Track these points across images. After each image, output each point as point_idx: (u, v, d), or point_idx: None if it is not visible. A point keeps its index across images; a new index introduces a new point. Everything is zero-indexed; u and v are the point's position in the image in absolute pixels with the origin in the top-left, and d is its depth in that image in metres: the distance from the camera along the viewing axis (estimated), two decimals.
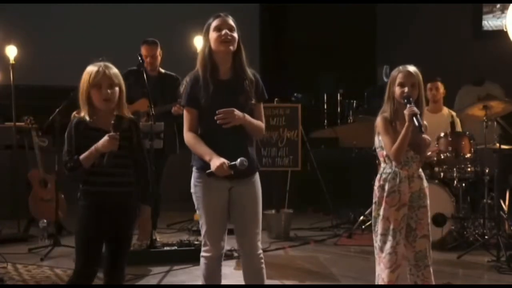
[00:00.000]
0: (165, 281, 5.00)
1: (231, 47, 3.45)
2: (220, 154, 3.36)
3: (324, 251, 6.15)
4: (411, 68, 3.75)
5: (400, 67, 3.77)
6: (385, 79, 9.35)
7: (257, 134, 3.60)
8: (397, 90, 3.72)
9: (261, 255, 3.56)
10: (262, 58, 10.37)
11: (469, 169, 6.14)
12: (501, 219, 5.90)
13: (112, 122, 3.25)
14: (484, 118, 5.94)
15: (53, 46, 9.09)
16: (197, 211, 3.56)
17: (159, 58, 6.06)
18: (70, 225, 6.27)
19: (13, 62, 6.74)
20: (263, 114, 3.61)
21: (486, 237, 5.92)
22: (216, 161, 3.32)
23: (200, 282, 3.61)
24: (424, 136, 3.67)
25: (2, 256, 5.35)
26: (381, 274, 3.73)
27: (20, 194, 6.82)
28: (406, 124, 3.63)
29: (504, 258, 5.34)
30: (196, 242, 5.63)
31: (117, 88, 3.33)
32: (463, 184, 6.20)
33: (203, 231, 3.53)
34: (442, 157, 6.10)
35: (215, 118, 3.36)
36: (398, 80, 3.72)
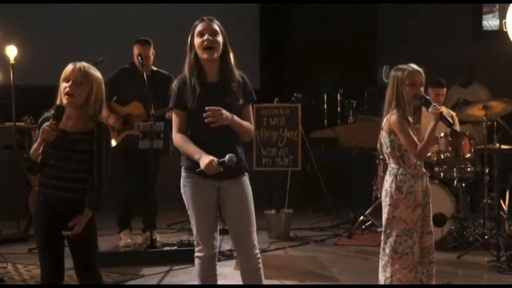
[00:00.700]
0: (165, 281, 5.00)
1: (215, 54, 3.44)
2: (209, 155, 3.35)
3: (324, 251, 6.13)
4: (418, 67, 3.75)
5: (405, 66, 3.74)
6: (385, 79, 9.35)
7: (246, 135, 3.57)
8: (409, 90, 3.68)
9: (258, 255, 3.54)
10: (262, 58, 10.32)
11: (469, 169, 6.12)
12: (501, 219, 5.89)
13: (52, 111, 3.20)
14: (484, 118, 5.95)
15: (53, 46, 9.07)
16: (188, 211, 3.56)
17: (152, 57, 5.98)
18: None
19: (13, 62, 6.72)
20: (252, 116, 3.60)
21: (486, 237, 5.92)
22: (205, 159, 3.33)
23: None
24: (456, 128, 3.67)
25: (2, 256, 5.35)
26: (397, 275, 3.71)
27: (20, 194, 6.80)
28: (433, 123, 3.64)
29: (504, 258, 5.33)
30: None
31: (86, 88, 3.24)
32: (463, 184, 6.20)
33: (194, 231, 3.56)
34: (442, 157, 6.09)
35: (204, 115, 3.35)
36: (408, 80, 3.68)
